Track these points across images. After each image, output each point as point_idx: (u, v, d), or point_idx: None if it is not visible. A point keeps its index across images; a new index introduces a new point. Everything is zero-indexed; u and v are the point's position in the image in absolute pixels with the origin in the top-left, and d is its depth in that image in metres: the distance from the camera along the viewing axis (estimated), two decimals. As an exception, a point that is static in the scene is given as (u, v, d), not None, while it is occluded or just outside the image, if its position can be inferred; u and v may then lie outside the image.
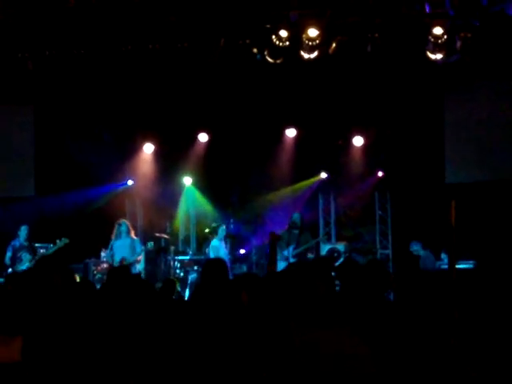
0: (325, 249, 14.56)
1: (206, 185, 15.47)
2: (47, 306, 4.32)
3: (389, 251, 15.43)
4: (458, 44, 11.11)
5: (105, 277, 10.54)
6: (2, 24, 11.45)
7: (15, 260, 12.67)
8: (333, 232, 15.94)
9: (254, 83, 13.48)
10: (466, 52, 11.24)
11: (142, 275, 12.87)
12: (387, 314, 4.93)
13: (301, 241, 13.40)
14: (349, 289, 5.29)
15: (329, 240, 15.40)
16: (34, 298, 4.24)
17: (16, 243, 12.86)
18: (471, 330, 4.57)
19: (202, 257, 13.87)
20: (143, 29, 11.72)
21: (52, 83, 13.35)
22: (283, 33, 11.28)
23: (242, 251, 14.71)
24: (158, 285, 10.38)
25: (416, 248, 13.46)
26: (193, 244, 15.92)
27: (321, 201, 16.17)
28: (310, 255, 13.73)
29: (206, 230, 14.43)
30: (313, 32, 11.16)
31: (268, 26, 11.40)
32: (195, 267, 13.70)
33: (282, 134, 15.00)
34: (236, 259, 14.43)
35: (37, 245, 13.08)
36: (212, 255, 12.98)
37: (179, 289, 11.42)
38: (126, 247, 12.83)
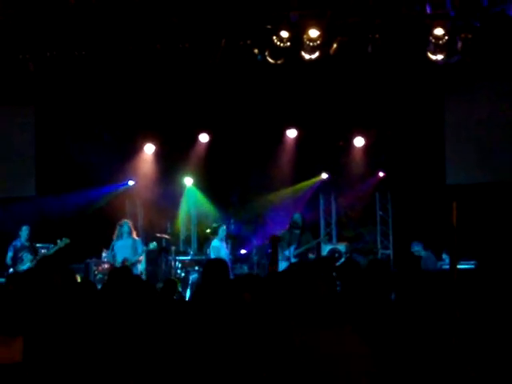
0: (326, 249, 14.57)
1: (206, 185, 15.47)
2: (48, 306, 4.32)
3: (390, 251, 15.44)
4: (459, 45, 11.12)
5: (106, 277, 10.54)
6: (3, 25, 11.46)
7: (16, 260, 12.67)
8: (334, 232, 15.95)
9: (255, 84, 13.49)
10: (467, 53, 11.25)
11: (143, 275, 12.87)
12: (388, 314, 4.93)
13: (302, 241, 13.40)
14: (350, 289, 5.29)
15: (330, 240, 15.41)
16: (35, 298, 4.25)
17: (17, 243, 12.86)
18: (472, 330, 4.57)
19: (203, 257, 13.87)
20: (144, 29, 11.73)
21: (53, 84, 13.35)
22: (284, 33, 11.28)
23: (243, 251, 14.71)
24: (159, 285, 10.38)
25: (417, 248, 13.46)
26: (194, 244, 15.93)
27: (322, 201, 16.18)
28: (311, 255, 13.74)
29: (207, 231, 14.43)
30: (313, 33, 11.17)
31: (269, 26, 11.40)
32: (196, 267, 13.70)
33: (283, 134, 15.00)
34: (237, 259, 14.43)
35: (38, 245, 13.08)
36: (213, 255, 12.97)
37: (180, 289, 11.44)
38: (127, 248, 12.83)
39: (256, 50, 11.74)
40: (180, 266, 14.04)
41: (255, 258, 14.47)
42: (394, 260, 15.14)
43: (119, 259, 12.67)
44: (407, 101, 13.71)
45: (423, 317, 4.80)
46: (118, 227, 13.00)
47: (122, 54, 12.18)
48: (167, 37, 11.92)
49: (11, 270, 12.51)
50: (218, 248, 13.31)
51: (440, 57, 11.28)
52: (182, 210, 15.80)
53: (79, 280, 8.32)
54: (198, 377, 4.52)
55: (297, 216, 13.66)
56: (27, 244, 12.83)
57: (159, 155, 15.36)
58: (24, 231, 12.89)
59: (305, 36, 11.23)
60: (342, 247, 14.57)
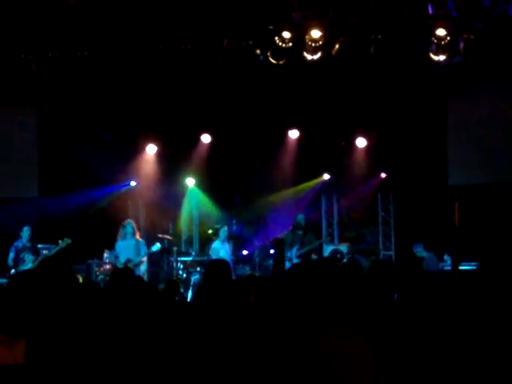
0: (328, 250, 14.57)
1: (208, 186, 15.47)
2: (50, 307, 4.32)
3: (391, 252, 15.44)
4: (461, 45, 11.11)
5: (107, 278, 10.53)
6: (5, 26, 11.47)
7: (18, 261, 12.67)
8: (335, 233, 15.95)
9: (257, 84, 13.49)
10: (469, 53, 11.24)
11: (145, 276, 12.86)
12: (390, 315, 4.92)
13: (305, 242, 13.41)
14: (352, 290, 5.28)
15: (332, 241, 15.41)
16: (37, 299, 4.24)
17: (19, 244, 12.87)
18: (474, 331, 4.57)
19: (205, 258, 13.86)
20: (146, 30, 11.73)
21: (55, 85, 13.35)
22: (286, 34, 11.28)
23: (245, 252, 14.71)
24: (161, 286, 10.38)
25: (419, 249, 13.44)
26: (195, 245, 15.93)
27: (323, 202, 16.18)
28: (313, 256, 13.73)
29: (209, 231, 14.43)
30: (316, 33, 11.17)
31: (271, 27, 11.40)
32: (198, 268, 13.69)
33: (285, 135, 15.00)
34: (239, 260, 14.42)
35: (39, 246, 13.09)
36: (213, 257, 12.98)
37: (182, 290, 11.44)
38: (130, 248, 12.85)
39: (258, 51, 11.74)
40: (182, 266, 14.04)
41: (257, 259, 14.47)
42: (395, 261, 15.13)
43: (122, 260, 12.68)
44: (409, 102, 13.70)
45: (425, 318, 4.79)
46: (121, 228, 13.02)
47: (124, 54, 12.19)
48: (169, 38, 11.93)
49: (13, 270, 12.51)
50: (217, 250, 13.31)
51: (442, 57, 11.27)
52: (184, 210, 15.80)
53: (81, 281, 8.31)
54: (198, 377, 4.52)
55: (300, 217, 13.66)
56: (29, 245, 12.84)
57: (161, 156, 15.36)
58: (25, 232, 12.89)
59: (307, 36, 11.22)
60: (343, 248, 14.56)
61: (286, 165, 14.93)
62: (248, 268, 14.28)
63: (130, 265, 12.36)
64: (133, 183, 15.39)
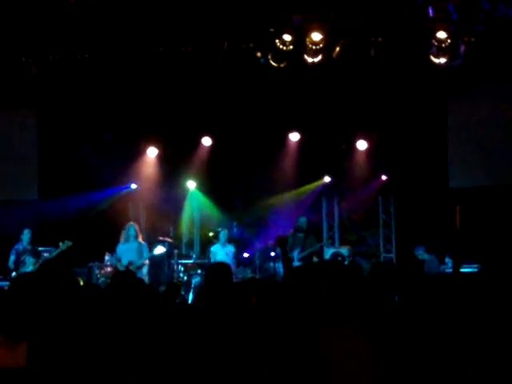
0: (328, 253, 14.56)
1: (209, 188, 15.47)
2: (51, 309, 4.32)
3: (392, 255, 15.43)
4: (462, 48, 11.11)
5: (109, 280, 10.53)
6: (6, 29, 11.48)
7: (19, 264, 12.68)
8: (336, 236, 15.94)
9: (258, 87, 13.49)
10: (470, 56, 11.25)
11: (146, 279, 12.86)
12: (391, 317, 4.92)
13: (306, 244, 13.40)
14: (353, 292, 5.28)
15: (332, 244, 15.40)
16: (39, 301, 4.24)
17: (19, 247, 12.87)
18: (475, 333, 4.57)
19: (206, 260, 13.85)
20: (147, 33, 11.74)
21: (55, 87, 13.37)
22: (287, 37, 11.29)
23: (246, 255, 14.70)
24: (162, 288, 10.37)
25: (421, 252, 13.43)
26: (196, 248, 15.92)
27: (324, 205, 16.17)
28: (315, 259, 13.72)
29: (210, 234, 14.43)
30: (316, 36, 11.18)
31: (272, 29, 11.41)
32: (199, 271, 13.68)
33: (286, 137, 15.00)
34: (239, 263, 14.41)
35: (40, 248, 13.09)
36: (212, 260, 12.99)
37: (183, 292, 11.44)
38: (133, 251, 12.87)
39: (259, 54, 11.75)
40: (182, 269, 14.03)
41: (258, 262, 14.46)
42: (396, 263, 15.11)
43: (124, 262, 12.70)
44: (410, 104, 13.71)
45: (425, 319, 4.79)
46: (124, 230, 13.04)
47: (125, 57, 12.20)
48: (170, 40, 11.94)
49: (14, 273, 12.51)
50: (215, 253, 13.30)
51: (443, 60, 11.27)
52: (184, 213, 15.80)
53: (82, 284, 8.31)
54: (199, 378, 4.52)
55: (302, 220, 13.66)
56: (29, 247, 12.85)
57: (162, 158, 15.36)
58: (26, 235, 12.90)
59: (308, 39, 11.23)
60: (344, 251, 14.56)
61: (287, 167, 14.93)
62: (249, 270, 14.28)
63: (132, 267, 12.38)
64: (133, 186, 15.39)
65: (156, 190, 15.29)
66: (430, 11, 10.89)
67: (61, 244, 12.64)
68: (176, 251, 14.45)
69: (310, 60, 11.45)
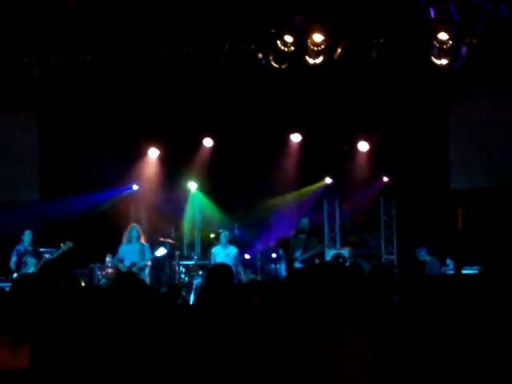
0: (330, 254, 14.54)
1: (210, 189, 15.47)
2: (54, 311, 4.32)
3: (394, 257, 15.42)
4: (463, 49, 11.11)
5: (110, 282, 10.53)
6: (8, 30, 11.49)
7: (20, 265, 12.68)
8: (338, 237, 15.93)
9: (259, 88, 13.49)
10: (472, 57, 11.25)
11: (147, 280, 12.86)
12: (392, 319, 4.92)
13: (308, 246, 13.39)
14: (353, 292, 5.29)
15: (334, 245, 15.39)
16: (41, 303, 4.25)
17: (20, 248, 12.88)
18: (476, 335, 4.57)
19: (207, 262, 13.85)
20: (148, 34, 11.75)
21: (58, 89, 13.38)
22: (288, 38, 11.29)
23: (247, 256, 14.69)
24: (163, 290, 10.37)
25: (422, 253, 13.43)
26: (197, 249, 15.92)
27: (326, 206, 16.16)
28: (317, 261, 13.71)
29: (211, 235, 14.43)
30: (318, 37, 11.18)
31: (273, 31, 11.42)
32: (200, 272, 13.68)
33: (287, 138, 15.00)
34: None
35: (41, 249, 13.09)
36: (212, 262, 12.99)
37: (184, 294, 11.43)
38: (135, 252, 12.88)
39: (260, 55, 11.76)
40: (184, 270, 14.03)
41: (259, 263, 14.45)
42: (397, 265, 15.11)
43: (127, 263, 12.71)
44: (411, 105, 13.70)
45: (426, 320, 4.79)
46: (126, 231, 13.05)
47: (126, 58, 12.21)
48: (171, 41, 11.95)
49: (15, 274, 12.52)
50: (215, 255, 13.29)
51: (444, 61, 11.27)
52: (186, 214, 15.80)
53: (83, 285, 8.30)
54: (200, 379, 4.52)
55: (305, 221, 13.66)
56: (30, 248, 12.85)
57: (163, 159, 15.36)
58: (27, 236, 12.91)
59: (309, 40, 11.23)
60: (345, 252, 14.54)
61: (288, 169, 14.92)
62: (250, 272, 14.27)
63: (134, 269, 12.41)
64: (135, 187, 15.39)
65: (157, 191, 15.29)
66: (432, 12, 10.88)
67: (62, 245, 12.65)
68: (177, 252, 14.45)
69: (311, 61, 11.45)
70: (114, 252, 13.32)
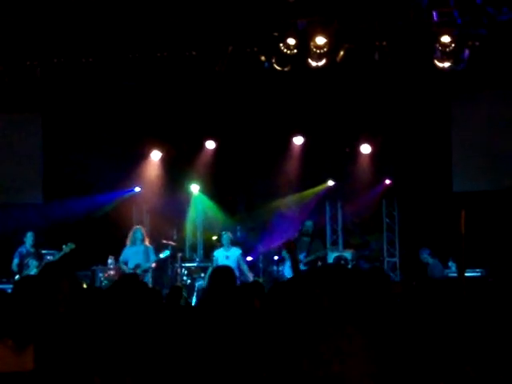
0: (332, 256, 14.54)
1: (212, 192, 15.47)
2: (56, 312, 4.33)
3: (396, 259, 15.41)
4: (466, 52, 11.12)
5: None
6: (10, 33, 11.51)
7: (22, 266, 12.69)
8: (340, 240, 15.93)
9: (262, 91, 13.50)
10: (474, 60, 11.25)
11: (150, 282, 12.87)
12: (394, 321, 4.92)
13: (312, 249, 13.39)
14: (353, 294, 5.29)
15: (336, 248, 15.38)
16: (44, 304, 4.25)
17: (23, 250, 12.88)
18: (479, 337, 4.57)
19: (209, 264, 13.85)
20: (151, 36, 11.76)
21: (60, 91, 13.39)
22: (291, 41, 11.30)
23: (249, 258, 14.69)
24: (165, 292, 10.37)
25: (425, 255, 13.42)
26: (200, 251, 15.92)
27: (328, 208, 16.16)
28: (319, 264, 13.70)
29: (213, 238, 14.43)
30: (320, 40, 11.19)
31: (276, 33, 11.42)
32: (202, 274, 13.69)
33: (290, 141, 15.00)
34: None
35: (43, 251, 13.10)
36: (214, 264, 12.99)
37: (186, 296, 11.43)
38: (139, 254, 12.88)
39: (263, 58, 11.76)
40: (186, 272, 14.04)
41: (261, 265, 14.45)
42: (400, 268, 15.11)
43: (131, 265, 12.72)
44: (414, 108, 13.71)
45: (428, 323, 4.79)
46: (131, 233, 13.06)
47: (129, 61, 12.22)
48: (174, 44, 11.96)
49: (17, 276, 12.52)
50: (217, 258, 13.26)
51: (447, 64, 11.28)
52: (188, 216, 15.80)
53: (85, 287, 8.32)
54: (201, 379, 4.53)
55: (309, 224, 13.65)
56: (32, 250, 12.85)
57: (166, 162, 15.36)
58: (29, 237, 12.91)
59: (312, 43, 11.24)
60: (348, 254, 14.54)
61: (291, 171, 14.92)
62: (252, 274, 14.26)
63: (138, 270, 12.41)
64: (137, 189, 15.38)
65: (160, 193, 15.29)
66: (435, 16, 10.90)
67: (64, 247, 12.65)
68: (179, 255, 14.45)
69: (314, 64, 11.45)
70: (116, 254, 13.33)
